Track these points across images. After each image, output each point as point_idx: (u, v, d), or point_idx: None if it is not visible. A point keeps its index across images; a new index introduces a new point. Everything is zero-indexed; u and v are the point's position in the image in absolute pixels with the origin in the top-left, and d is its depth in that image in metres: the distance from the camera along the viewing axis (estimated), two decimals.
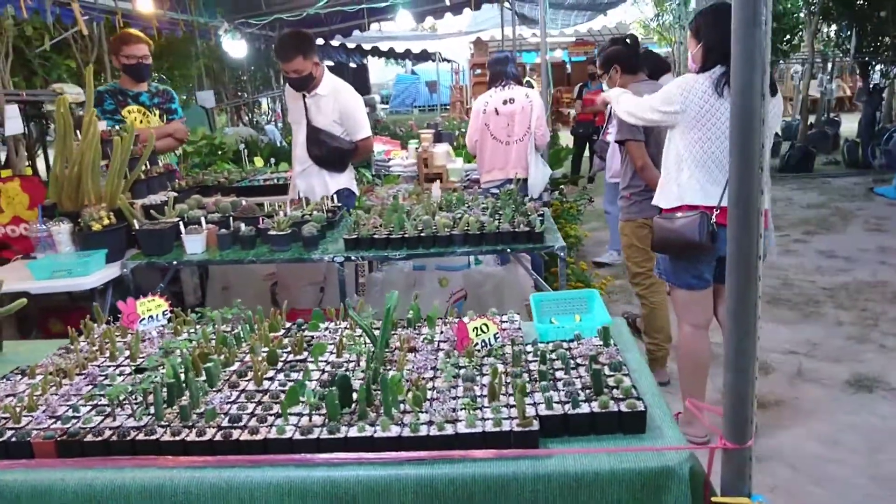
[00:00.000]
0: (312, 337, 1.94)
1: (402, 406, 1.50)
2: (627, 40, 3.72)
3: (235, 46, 7.56)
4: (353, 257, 2.99)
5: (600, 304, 1.99)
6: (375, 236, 2.99)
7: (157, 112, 3.99)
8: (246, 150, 6.39)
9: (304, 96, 3.81)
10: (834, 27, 10.74)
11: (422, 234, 2.96)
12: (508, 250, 2.96)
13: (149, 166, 3.74)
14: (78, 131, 3.22)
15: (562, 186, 5.67)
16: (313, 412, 1.50)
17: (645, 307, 3.62)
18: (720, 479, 1.38)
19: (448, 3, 10.22)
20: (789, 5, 10.57)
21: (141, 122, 3.86)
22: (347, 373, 1.64)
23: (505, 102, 4.33)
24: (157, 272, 3.45)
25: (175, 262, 3.06)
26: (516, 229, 2.93)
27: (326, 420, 1.47)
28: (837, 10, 9.76)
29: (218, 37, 7.54)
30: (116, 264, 3.05)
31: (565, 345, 1.77)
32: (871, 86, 10.28)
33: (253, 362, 1.70)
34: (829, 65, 11.85)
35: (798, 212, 7.43)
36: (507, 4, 10.55)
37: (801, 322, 4.32)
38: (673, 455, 1.37)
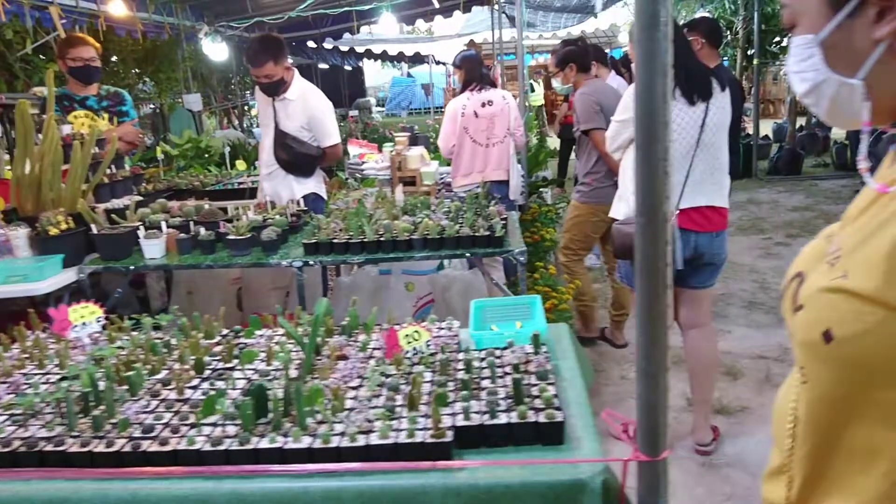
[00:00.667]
0: (245, 344, 1.92)
1: (318, 416, 1.48)
2: (578, 42, 4.00)
3: (216, 49, 7.53)
4: (311, 262, 2.97)
5: (540, 310, 1.96)
6: (335, 241, 2.96)
7: (106, 115, 3.95)
8: (230, 153, 6.36)
9: (273, 100, 3.78)
10: None
11: (381, 239, 2.93)
12: (468, 255, 2.93)
13: (114, 170, 3.71)
14: (40, 135, 3.20)
15: (541, 189, 5.64)
16: (229, 423, 1.48)
17: (569, 276, 3.93)
18: (636, 492, 1.34)
19: (437, 5, 10.21)
20: (778, 7, 10.53)
21: (89, 126, 3.82)
22: (268, 381, 1.62)
23: (483, 105, 4.30)
24: (123, 277, 3.44)
25: (132, 268, 3.03)
26: (476, 234, 2.90)
27: (240, 431, 1.44)
28: None
29: (198, 40, 7.51)
30: (74, 269, 3.02)
31: (497, 352, 1.75)
32: None
33: (174, 371, 1.67)
34: None
35: (783, 215, 7.40)
36: (496, 7, 10.54)
37: (775, 326, 4.28)
38: (586, 468, 1.34)
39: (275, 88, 3.73)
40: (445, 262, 3.87)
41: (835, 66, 0.77)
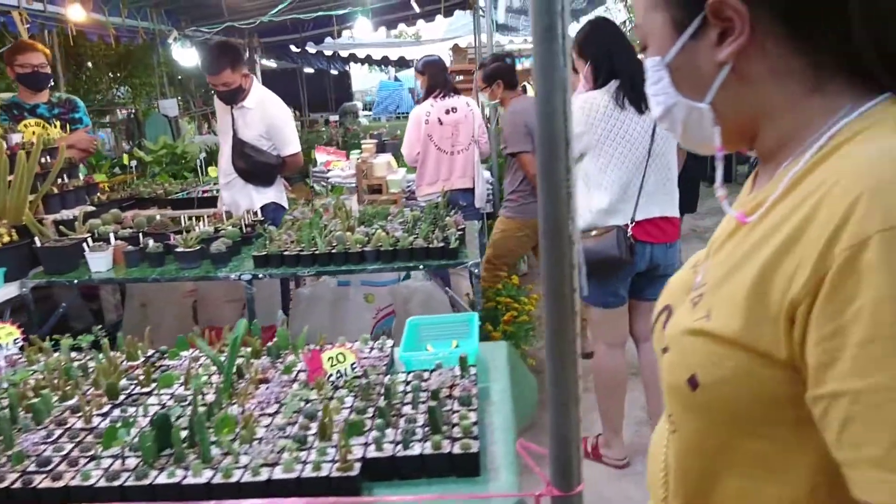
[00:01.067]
0: (168, 366, 1.84)
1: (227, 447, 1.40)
2: (507, 59, 4.00)
3: (185, 55, 7.43)
4: (260, 275, 2.89)
5: (476, 328, 1.90)
6: (285, 253, 2.89)
7: (58, 123, 3.86)
8: (205, 160, 6.25)
9: (231, 108, 3.71)
10: None
11: (333, 251, 2.86)
12: (421, 267, 2.87)
13: (66, 179, 3.62)
14: None
15: None
16: (131, 455, 1.40)
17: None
18: None
19: (418, 10, 10.16)
20: None
21: (41, 135, 3.71)
22: (184, 407, 1.54)
23: (448, 112, 4.25)
24: (71, 291, 3.36)
25: (77, 281, 2.95)
26: (430, 245, 2.84)
27: (141, 464, 1.37)
28: None
29: (167, 45, 7.41)
30: (16, 283, 2.93)
31: (426, 375, 1.67)
32: None
33: (81, 398, 1.59)
34: None
35: None
36: (481, 12, 10.46)
37: None
38: (498, 502, 1.27)
39: (233, 96, 3.66)
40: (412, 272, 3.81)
41: (682, 89, 0.73)
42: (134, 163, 6.13)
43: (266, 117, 3.68)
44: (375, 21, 9.97)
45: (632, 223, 2.58)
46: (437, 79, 4.25)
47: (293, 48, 12.35)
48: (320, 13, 7.60)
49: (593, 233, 2.61)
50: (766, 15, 0.64)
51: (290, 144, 3.74)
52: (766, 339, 0.60)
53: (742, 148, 0.75)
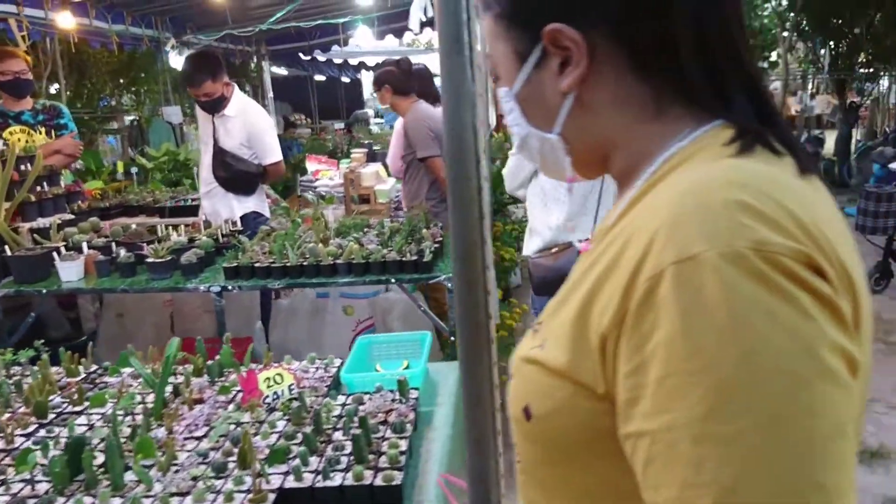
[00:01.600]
0: (106, 384, 1.78)
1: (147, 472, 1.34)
2: (400, 62, 3.93)
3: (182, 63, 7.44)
4: (230, 287, 2.83)
5: (427, 348, 1.83)
6: (256, 265, 2.83)
7: (43, 129, 3.84)
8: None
9: (212, 117, 3.67)
10: (809, 44, 10.55)
11: (304, 264, 2.80)
12: (393, 281, 2.80)
13: (46, 187, 3.59)
14: None
15: (508, 206, 5.50)
16: (44, 480, 1.34)
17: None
18: None
19: (424, 18, 10.13)
20: (766, 21, 10.40)
21: (27, 142, 3.69)
22: (102, 430, 1.49)
23: None
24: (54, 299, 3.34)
25: (45, 291, 2.91)
26: (403, 258, 2.77)
27: (51, 490, 1.31)
28: (811, 25, 9.61)
29: (165, 52, 7.43)
30: None
31: (366, 398, 1.61)
32: (847, 103, 10.10)
33: (4, 418, 1.54)
34: (812, 82, 11.66)
35: None
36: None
37: None
38: None
39: (216, 106, 3.62)
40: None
41: (532, 119, 0.71)
42: (135, 170, 6.13)
43: (247, 126, 3.63)
44: (382, 29, 9.97)
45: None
46: (423, 88, 4.19)
47: (302, 56, 12.37)
48: (321, 21, 7.57)
49: (554, 250, 2.52)
50: (603, 42, 0.63)
51: (272, 153, 3.70)
52: (587, 372, 0.58)
53: (600, 175, 0.73)
